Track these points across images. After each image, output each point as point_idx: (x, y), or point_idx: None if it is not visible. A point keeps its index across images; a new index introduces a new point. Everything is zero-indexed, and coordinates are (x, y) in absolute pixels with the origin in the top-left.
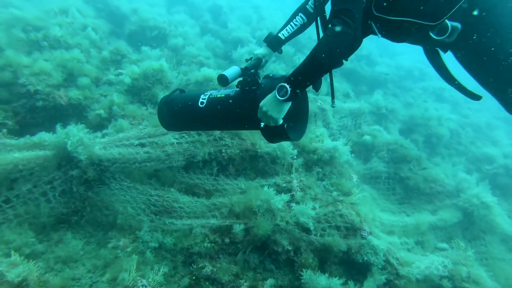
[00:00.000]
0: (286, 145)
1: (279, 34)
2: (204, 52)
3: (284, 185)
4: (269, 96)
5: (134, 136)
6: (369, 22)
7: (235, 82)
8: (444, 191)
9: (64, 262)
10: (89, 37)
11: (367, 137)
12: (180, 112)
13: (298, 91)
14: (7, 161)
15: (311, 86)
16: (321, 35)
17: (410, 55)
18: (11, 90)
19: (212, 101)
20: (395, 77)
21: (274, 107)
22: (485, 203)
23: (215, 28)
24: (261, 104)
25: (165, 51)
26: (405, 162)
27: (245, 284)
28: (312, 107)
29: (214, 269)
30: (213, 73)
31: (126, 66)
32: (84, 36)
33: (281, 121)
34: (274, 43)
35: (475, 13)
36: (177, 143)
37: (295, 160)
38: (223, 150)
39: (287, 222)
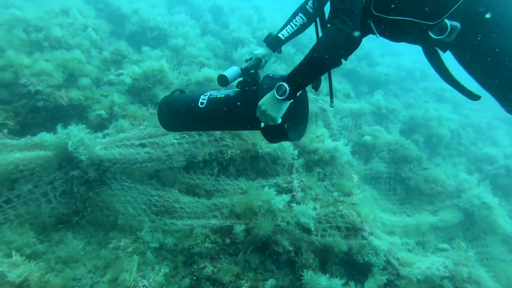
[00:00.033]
0: (287, 145)
1: (279, 34)
2: (205, 52)
3: (285, 185)
4: (268, 95)
5: (135, 136)
6: (368, 21)
7: (235, 83)
8: (445, 192)
9: (65, 262)
10: (90, 37)
11: (367, 138)
12: (180, 113)
13: (297, 90)
14: (8, 162)
15: (310, 86)
16: (320, 35)
17: (411, 56)
18: (12, 90)
19: (212, 101)
20: (396, 77)
21: (272, 106)
22: (486, 204)
23: (215, 29)
24: (260, 103)
25: (165, 52)
26: (406, 162)
27: (246, 284)
28: (313, 107)
29: (215, 270)
30: (214, 74)
31: (127, 67)
32: (85, 37)
33: (279, 120)
34: (274, 43)
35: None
36: (177, 143)
37: (295, 161)
38: (224, 151)
39: (287, 223)
